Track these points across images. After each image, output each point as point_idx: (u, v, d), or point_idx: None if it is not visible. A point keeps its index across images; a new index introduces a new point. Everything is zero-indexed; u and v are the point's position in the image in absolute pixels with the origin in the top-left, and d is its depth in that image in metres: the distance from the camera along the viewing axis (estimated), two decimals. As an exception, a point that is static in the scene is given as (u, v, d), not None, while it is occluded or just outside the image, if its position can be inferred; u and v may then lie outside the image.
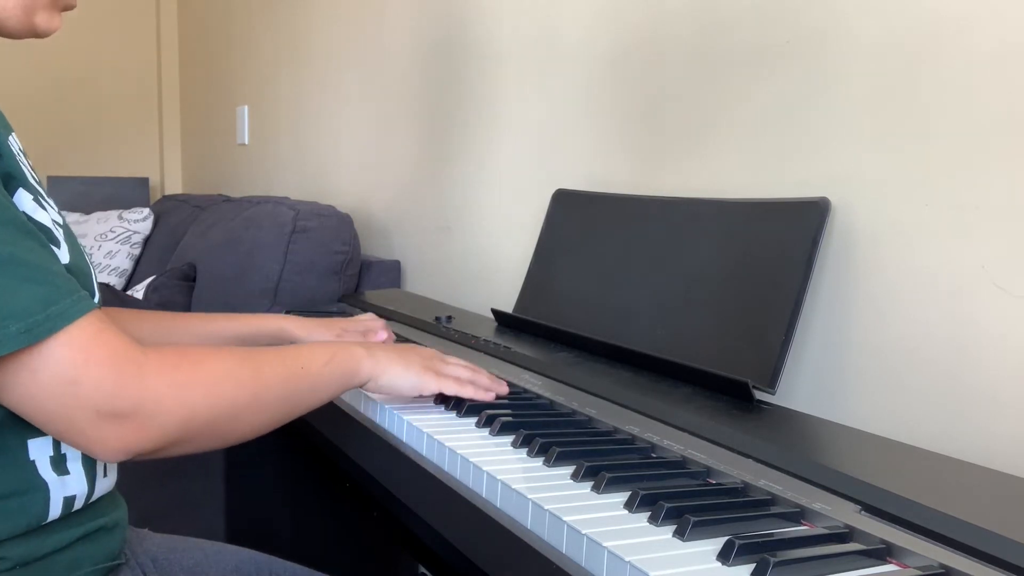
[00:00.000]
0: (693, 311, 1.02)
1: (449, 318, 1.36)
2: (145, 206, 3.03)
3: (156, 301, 1.84)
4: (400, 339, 1.23)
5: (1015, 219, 0.81)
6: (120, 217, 2.89)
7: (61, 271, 0.64)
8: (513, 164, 1.57)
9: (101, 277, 2.77)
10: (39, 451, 0.68)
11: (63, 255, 0.69)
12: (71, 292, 0.63)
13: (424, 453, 0.80)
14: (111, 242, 2.82)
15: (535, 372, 1.02)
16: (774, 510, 0.63)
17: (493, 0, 1.62)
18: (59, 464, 0.69)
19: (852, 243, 0.95)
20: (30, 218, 0.66)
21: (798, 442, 0.79)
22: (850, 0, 0.96)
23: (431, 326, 1.32)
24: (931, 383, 0.87)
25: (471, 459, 0.72)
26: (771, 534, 0.58)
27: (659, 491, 0.63)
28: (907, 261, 0.90)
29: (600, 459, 0.71)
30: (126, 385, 0.63)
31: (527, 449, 0.75)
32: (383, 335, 1.11)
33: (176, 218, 2.68)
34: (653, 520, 0.60)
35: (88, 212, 3.05)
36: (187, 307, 1.87)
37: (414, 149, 1.94)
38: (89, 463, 0.72)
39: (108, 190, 3.49)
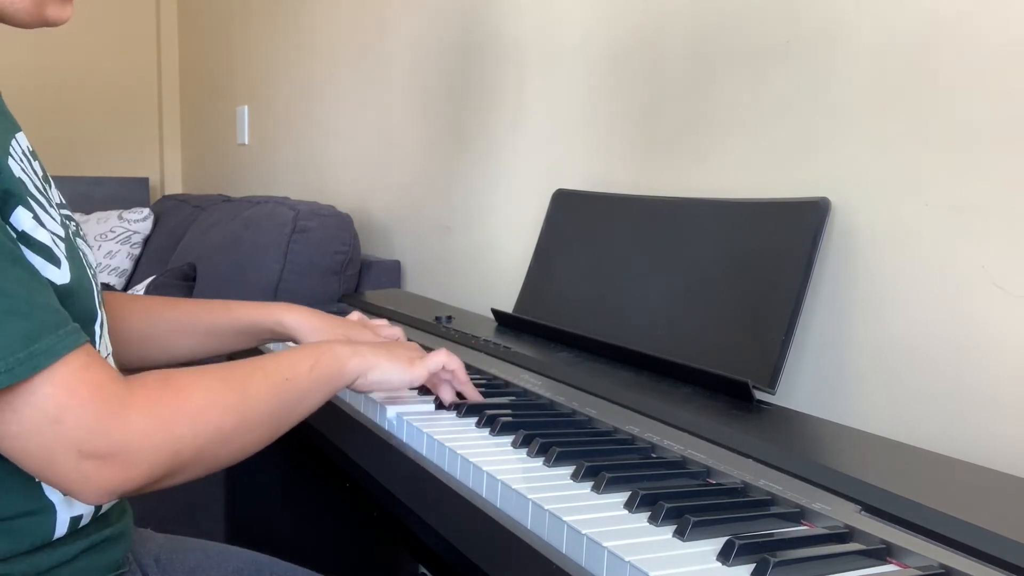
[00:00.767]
0: (693, 311, 1.02)
1: (449, 318, 1.36)
2: (145, 206, 3.03)
3: (156, 301, 1.84)
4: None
5: (1015, 219, 0.81)
6: (120, 217, 2.89)
7: (49, 303, 0.61)
8: (513, 164, 1.57)
9: (101, 277, 2.76)
10: None
11: (63, 274, 0.66)
12: (57, 326, 0.60)
13: (424, 453, 0.80)
14: (111, 242, 2.82)
15: (535, 372, 1.02)
16: (774, 510, 0.63)
17: (493, 1, 1.62)
18: None
19: (852, 243, 0.95)
20: (29, 237, 0.64)
21: (798, 442, 0.79)
22: (850, 0, 0.96)
23: (431, 326, 1.32)
24: (931, 383, 0.87)
25: (471, 459, 0.72)
26: (771, 534, 0.58)
27: (659, 491, 0.63)
28: (907, 261, 0.90)
29: (600, 459, 0.71)
30: (109, 424, 0.61)
31: (527, 449, 0.75)
32: (398, 331, 1.05)
33: (176, 218, 2.68)
34: (653, 520, 0.60)
35: (88, 212, 3.04)
36: (187, 307, 1.87)
37: (414, 149, 1.94)
38: None
39: (108, 190, 3.49)
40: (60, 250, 0.67)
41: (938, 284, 0.87)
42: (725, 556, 0.54)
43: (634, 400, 0.87)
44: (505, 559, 0.62)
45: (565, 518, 0.59)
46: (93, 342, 0.71)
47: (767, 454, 0.72)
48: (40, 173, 0.72)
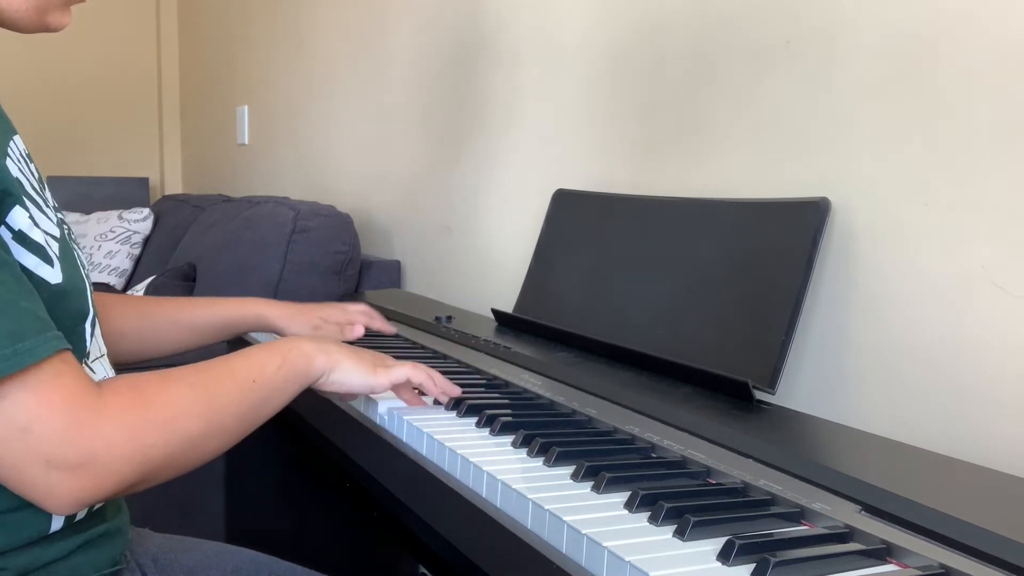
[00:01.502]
0: (693, 311, 1.02)
1: (449, 318, 1.36)
2: (145, 206, 3.03)
3: (156, 301, 1.84)
4: (400, 339, 1.23)
5: (1015, 219, 0.81)
6: (120, 217, 2.89)
7: (33, 308, 0.62)
8: (513, 164, 1.57)
9: (101, 277, 2.77)
10: None
11: (56, 273, 0.67)
12: (39, 331, 0.60)
13: (424, 453, 0.80)
14: (111, 242, 2.82)
15: (535, 372, 1.02)
16: (774, 510, 0.63)
17: (493, 1, 1.62)
18: None
19: (852, 243, 0.95)
20: (25, 236, 0.65)
21: (798, 442, 0.79)
22: (850, 0, 0.96)
23: (431, 326, 1.32)
24: (931, 383, 0.87)
25: (471, 459, 0.72)
26: (771, 534, 0.58)
27: (659, 491, 0.63)
28: (907, 261, 0.90)
29: (600, 459, 0.71)
30: (78, 434, 0.61)
31: (527, 449, 0.75)
32: (360, 330, 1.12)
33: (176, 218, 2.69)
34: (653, 520, 0.60)
35: (88, 212, 3.05)
36: (187, 307, 1.87)
37: (414, 149, 1.94)
38: None
39: (108, 190, 3.49)
40: (54, 250, 0.68)
41: (938, 284, 0.87)
42: (725, 556, 0.54)
43: (634, 400, 0.87)
44: (505, 559, 0.62)
45: (565, 518, 0.59)
46: (85, 340, 0.72)
47: (767, 454, 0.72)
48: (36, 175, 0.73)
